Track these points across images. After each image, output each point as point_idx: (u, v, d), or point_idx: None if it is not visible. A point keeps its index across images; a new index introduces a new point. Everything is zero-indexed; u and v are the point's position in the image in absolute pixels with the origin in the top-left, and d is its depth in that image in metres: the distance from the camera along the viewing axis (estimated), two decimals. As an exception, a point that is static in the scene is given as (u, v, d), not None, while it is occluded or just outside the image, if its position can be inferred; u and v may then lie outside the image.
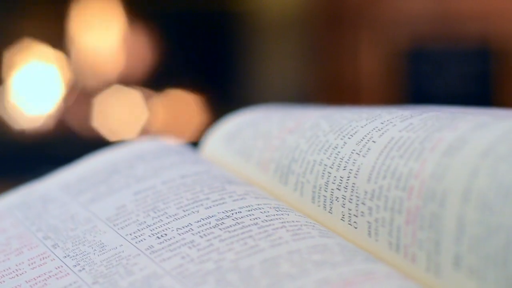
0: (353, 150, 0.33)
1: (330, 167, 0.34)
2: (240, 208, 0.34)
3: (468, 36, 1.68)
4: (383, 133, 0.32)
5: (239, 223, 0.32)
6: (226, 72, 1.78)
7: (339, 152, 0.34)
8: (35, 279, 0.32)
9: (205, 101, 1.74)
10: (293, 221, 0.32)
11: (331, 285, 0.27)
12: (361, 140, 0.33)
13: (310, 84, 1.78)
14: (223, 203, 0.34)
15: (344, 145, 0.34)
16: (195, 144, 0.47)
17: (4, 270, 0.34)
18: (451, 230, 0.27)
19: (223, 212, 0.33)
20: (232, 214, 0.33)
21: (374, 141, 0.32)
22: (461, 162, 0.28)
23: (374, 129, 0.33)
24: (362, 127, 0.34)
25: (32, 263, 0.34)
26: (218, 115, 1.60)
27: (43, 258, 0.34)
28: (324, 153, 0.35)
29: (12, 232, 0.37)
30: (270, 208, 0.34)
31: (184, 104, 1.74)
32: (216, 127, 0.45)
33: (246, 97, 1.69)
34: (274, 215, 0.33)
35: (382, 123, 0.33)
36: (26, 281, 0.33)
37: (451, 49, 1.70)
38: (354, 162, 0.33)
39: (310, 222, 0.33)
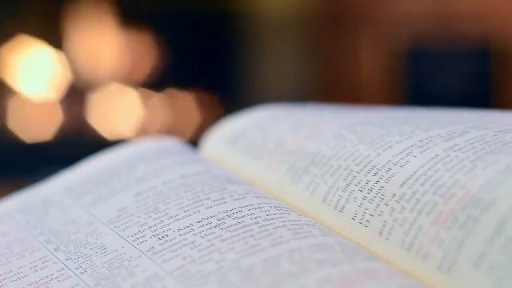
0: (389, 160, 0.34)
1: (357, 172, 0.34)
2: (240, 207, 0.34)
3: (468, 36, 1.68)
4: (424, 150, 0.33)
5: (240, 223, 0.32)
6: (226, 72, 1.78)
7: (371, 160, 0.34)
8: (37, 282, 0.32)
9: (205, 101, 1.74)
10: (294, 220, 0.32)
11: (332, 283, 0.27)
12: (399, 153, 0.34)
13: (310, 84, 1.78)
14: (224, 202, 0.34)
15: (377, 156, 0.34)
16: (195, 144, 0.47)
17: (6, 273, 0.34)
18: (486, 231, 0.27)
19: (224, 212, 0.33)
20: (233, 213, 0.33)
21: (414, 155, 0.33)
22: None
23: (413, 145, 0.34)
24: (397, 142, 0.35)
25: (34, 266, 0.34)
26: (218, 115, 1.60)
27: (45, 261, 0.34)
28: (353, 161, 0.35)
29: (13, 236, 0.37)
30: (271, 207, 0.34)
31: (184, 104, 1.74)
32: (217, 128, 0.45)
33: (246, 97, 1.70)
34: (275, 214, 0.33)
35: (420, 141, 0.34)
36: (28, 284, 0.33)
37: (451, 49, 1.70)
38: (388, 170, 0.33)
39: (311, 221, 0.33)
